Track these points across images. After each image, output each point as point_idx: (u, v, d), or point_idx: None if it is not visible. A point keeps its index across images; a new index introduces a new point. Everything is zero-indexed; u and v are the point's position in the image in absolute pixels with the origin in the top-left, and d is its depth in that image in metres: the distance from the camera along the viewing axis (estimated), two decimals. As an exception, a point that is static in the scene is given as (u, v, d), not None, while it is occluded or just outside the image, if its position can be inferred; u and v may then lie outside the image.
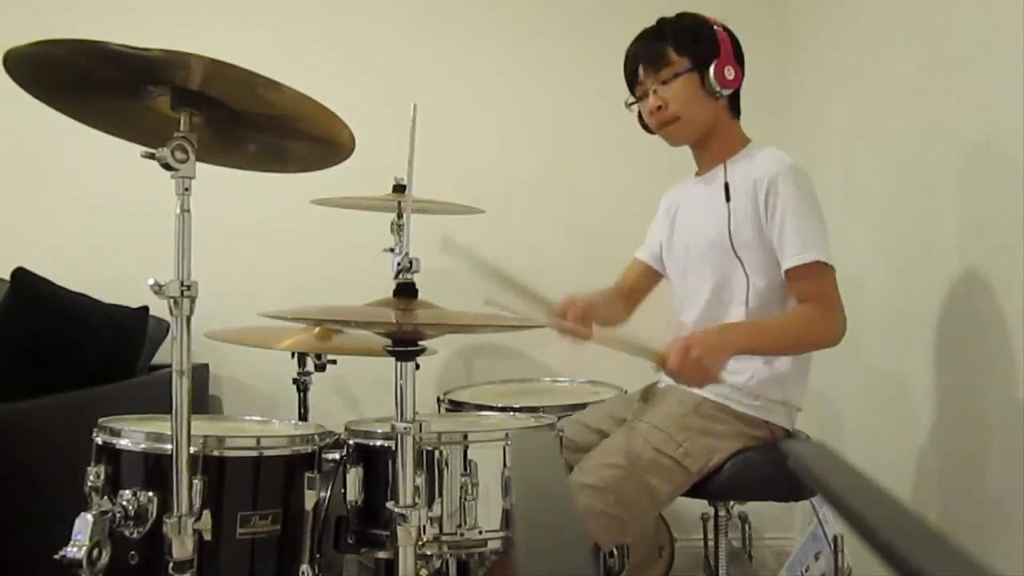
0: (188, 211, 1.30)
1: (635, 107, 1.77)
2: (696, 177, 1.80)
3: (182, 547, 1.27)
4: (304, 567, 1.48)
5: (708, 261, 1.71)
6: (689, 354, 1.43)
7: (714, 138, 1.74)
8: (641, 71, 1.71)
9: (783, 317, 1.63)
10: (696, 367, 1.44)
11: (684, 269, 1.79)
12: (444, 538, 1.47)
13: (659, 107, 1.70)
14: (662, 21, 1.72)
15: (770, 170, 1.60)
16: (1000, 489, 1.61)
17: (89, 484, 1.41)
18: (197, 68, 1.25)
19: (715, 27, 1.69)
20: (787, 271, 1.58)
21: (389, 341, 1.37)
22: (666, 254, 1.87)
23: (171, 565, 1.28)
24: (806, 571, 1.81)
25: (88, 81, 1.32)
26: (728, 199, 1.67)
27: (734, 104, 1.75)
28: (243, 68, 1.23)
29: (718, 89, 1.66)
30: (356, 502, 1.53)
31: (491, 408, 1.93)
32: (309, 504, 1.49)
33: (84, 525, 1.28)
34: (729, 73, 1.66)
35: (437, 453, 1.49)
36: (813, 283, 1.57)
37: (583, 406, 1.92)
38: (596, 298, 1.81)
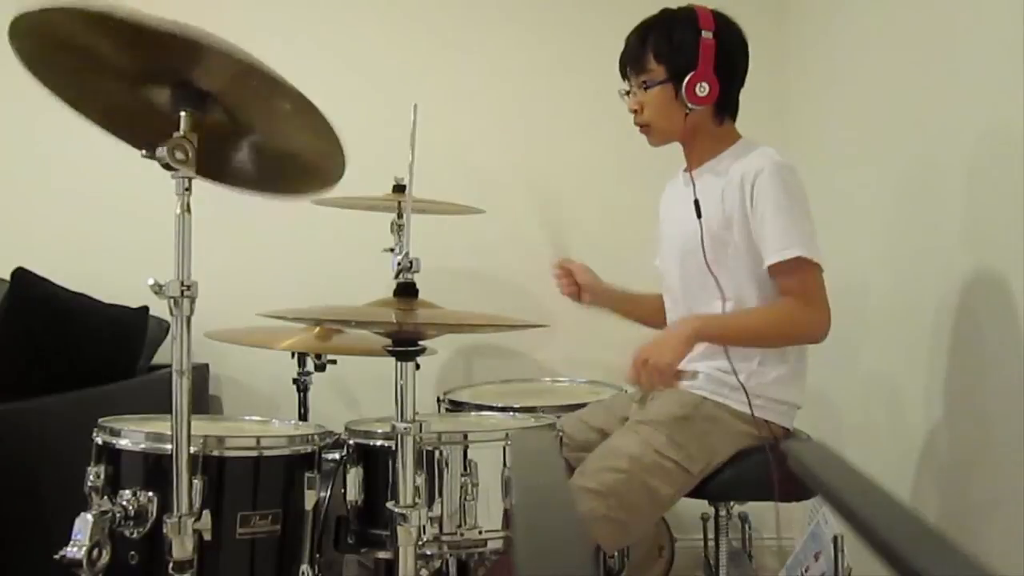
0: (188, 211, 1.30)
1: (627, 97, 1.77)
2: (684, 174, 1.78)
3: (182, 547, 1.27)
4: (304, 567, 1.48)
5: (685, 261, 1.71)
6: (644, 366, 1.50)
7: (696, 141, 1.73)
8: (628, 69, 1.73)
9: (760, 309, 1.63)
10: (654, 373, 1.49)
11: (668, 269, 1.80)
12: (444, 538, 1.47)
13: (635, 110, 1.72)
14: (653, 20, 1.70)
15: (755, 166, 1.60)
16: (1000, 489, 1.61)
17: (89, 484, 1.41)
18: (208, 59, 1.25)
19: (703, 33, 1.63)
20: (770, 266, 1.59)
21: (389, 341, 1.37)
22: (660, 254, 1.87)
23: (171, 565, 1.28)
24: (806, 571, 1.81)
25: (91, 62, 1.29)
26: (695, 201, 1.66)
27: (722, 107, 1.70)
28: (246, 63, 1.23)
29: (689, 105, 1.64)
30: (356, 502, 1.53)
31: (491, 408, 1.93)
32: (309, 504, 1.49)
33: (84, 525, 1.28)
34: (702, 90, 1.62)
35: (437, 453, 1.49)
36: (796, 279, 1.58)
37: (583, 406, 1.92)
38: (619, 290, 1.92)
